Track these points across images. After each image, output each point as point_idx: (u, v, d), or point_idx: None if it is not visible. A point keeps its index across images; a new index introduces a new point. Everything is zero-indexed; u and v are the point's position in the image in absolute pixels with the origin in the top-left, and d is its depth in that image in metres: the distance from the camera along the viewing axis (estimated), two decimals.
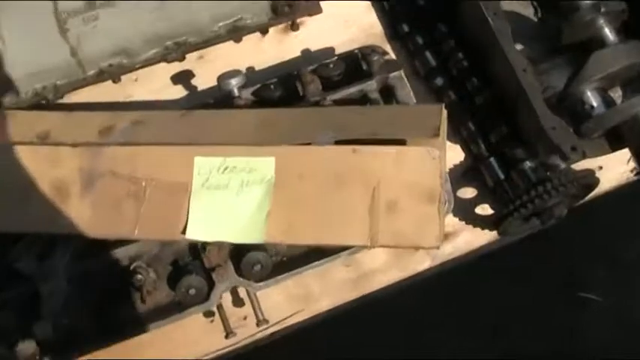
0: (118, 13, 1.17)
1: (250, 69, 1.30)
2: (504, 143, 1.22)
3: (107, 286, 1.10)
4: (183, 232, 1.00)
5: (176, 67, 1.29)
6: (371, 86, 1.15)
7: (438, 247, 0.98)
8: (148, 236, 1.02)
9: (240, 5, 1.21)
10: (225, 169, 0.99)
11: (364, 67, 1.18)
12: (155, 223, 1.00)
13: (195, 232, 1.01)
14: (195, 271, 1.12)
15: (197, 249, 1.11)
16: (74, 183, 1.01)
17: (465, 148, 1.29)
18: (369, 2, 1.35)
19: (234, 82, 1.13)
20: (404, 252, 1.25)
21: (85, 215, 1.01)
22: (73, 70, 1.18)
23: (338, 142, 0.99)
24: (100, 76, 1.19)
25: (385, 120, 1.02)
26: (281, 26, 1.33)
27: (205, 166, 0.99)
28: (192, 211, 1.00)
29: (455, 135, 1.29)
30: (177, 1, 1.17)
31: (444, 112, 1.01)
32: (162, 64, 1.25)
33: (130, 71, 1.21)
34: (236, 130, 1.04)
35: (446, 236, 1.29)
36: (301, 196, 0.99)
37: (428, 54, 1.29)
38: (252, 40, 1.32)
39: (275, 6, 1.21)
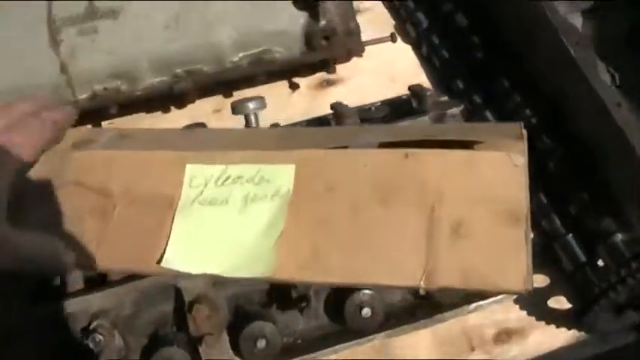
0: (122, 27, 0.98)
1: (275, 125, 1.11)
2: (587, 214, 0.99)
3: (59, 345, 0.83)
4: (159, 261, 0.72)
5: (185, 115, 1.11)
6: (423, 123, 0.94)
7: (528, 292, 0.68)
8: (110, 266, 0.74)
9: (269, 34, 1.03)
10: (227, 179, 0.72)
11: (414, 104, 0.97)
12: (122, 249, 0.72)
13: (174, 260, 0.71)
14: (176, 343, 0.85)
15: (185, 316, 0.86)
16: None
17: (534, 225, 1.05)
18: (416, 59, 1.19)
19: (252, 106, 0.92)
20: (450, 346, 0.99)
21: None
22: (60, 90, 0.98)
23: (383, 146, 0.75)
24: (92, 101, 0.99)
25: (448, 128, 0.79)
26: (314, 81, 1.16)
27: (200, 175, 0.73)
28: (175, 231, 0.72)
29: None
30: (195, 20, 1.00)
31: (524, 131, 0.78)
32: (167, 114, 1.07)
33: (128, 100, 1.01)
34: (248, 138, 0.81)
35: (510, 335, 1.03)
36: (327, 215, 0.70)
37: (488, 113, 1.10)
38: (278, 92, 1.14)
39: (310, 38, 1.04)
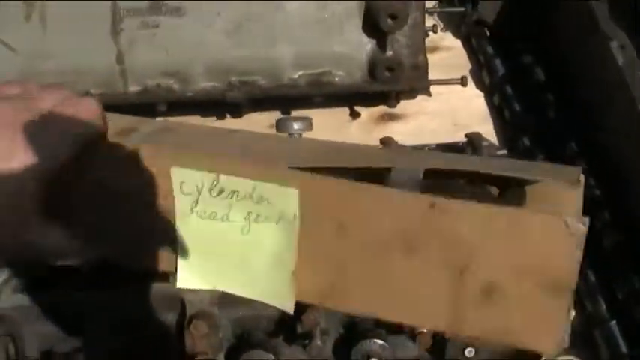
0: (184, 26, 0.98)
1: None
2: (634, 300, 0.93)
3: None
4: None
5: (239, 125, 1.09)
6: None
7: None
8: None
9: (332, 56, 1.00)
10: (221, 191, 0.66)
11: (469, 152, 0.93)
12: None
13: (188, 280, 0.68)
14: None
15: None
16: None
17: (576, 304, 0.99)
18: (486, 107, 1.14)
19: (296, 126, 0.90)
20: None
21: None
22: (114, 80, 0.98)
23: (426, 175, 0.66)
24: (143, 95, 0.99)
25: (498, 164, 0.72)
26: (376, 113, 1.13)
27: (189, 181, 0.66)
28: (181, 248, 0.67)
29: None
30: (258, 31, 0.99)
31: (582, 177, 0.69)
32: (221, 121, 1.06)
33: (178, 100, 1.00)
34: (257, 143, 0.75)
35: None
36: (342, 254, 0.64)
37: None
38: (338, 118, 1.11)
39: (374, 66, 1.01)
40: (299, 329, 0.85)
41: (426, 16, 1.05)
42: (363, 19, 1.01)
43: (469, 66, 1.19)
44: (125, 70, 0.98)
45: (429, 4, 1.10)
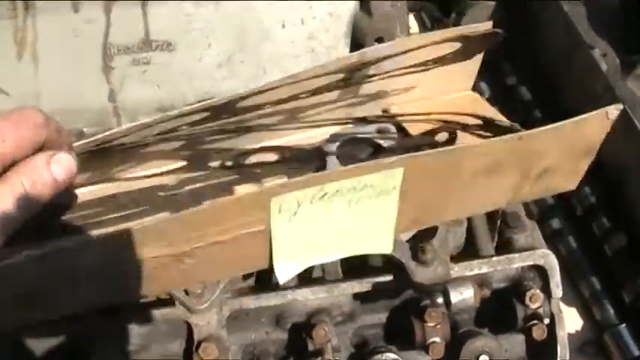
0: (176, 61, 1.02)
1: None
2: None
3: None
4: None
5: None
6: None
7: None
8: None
9: None
10: (324, 195, 0.75)
11: None
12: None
13: (286, 272, 0.79)
14: None
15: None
16: None
17: (585, 312, 1.03)
18: None
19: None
20: None
21: None
22: (106, 117, 1.01)
23: None
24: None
25: None
26: None
27: (289, 201, 0.74)
28: (277, 252, 0.77)
29: (572, 295, 1.03)
30: (248, 62, 1.03)
31: None
32: None
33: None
34: None
35: None
36: (434, 197, 0.82)
37: None
38: None
39: None
40: (310, 347, 0.87)
41: None
42: (350, 45, 1.06)
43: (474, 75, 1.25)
44: (117, 107, 1.01)
45: (411, 31, 1.16)
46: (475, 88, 1.20)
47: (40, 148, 0.68)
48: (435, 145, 0.91)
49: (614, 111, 0.85)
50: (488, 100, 1.20)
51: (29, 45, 1.02)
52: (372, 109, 0.96)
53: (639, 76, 1.19)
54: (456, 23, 1.22)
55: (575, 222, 1.06)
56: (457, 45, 0.90)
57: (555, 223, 1.06)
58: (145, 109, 1.03)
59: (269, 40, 1.04)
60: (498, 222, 0.94)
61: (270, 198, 0.73)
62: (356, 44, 1.05)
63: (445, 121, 0.93)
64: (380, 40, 1.01)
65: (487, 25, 0.91)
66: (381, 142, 0.91)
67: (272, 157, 0.92)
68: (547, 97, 1.15)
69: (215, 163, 0.92)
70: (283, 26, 1.04)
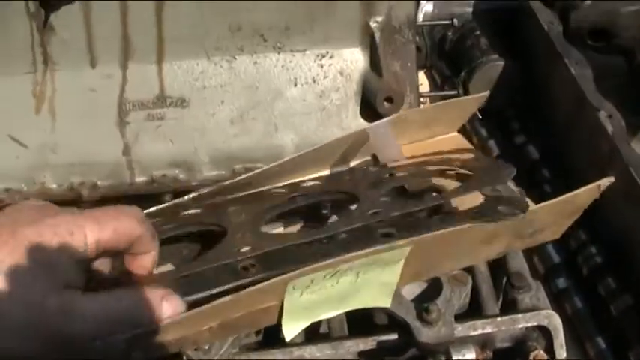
0: (189, 117, 1.06)
1: None
2: None
3: None
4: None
5: None
6: None
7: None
8: None
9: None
10: (336, 273, 0.80)
11: None
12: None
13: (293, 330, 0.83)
14: None
15: None
16: None
17: None
18: None
19: None
20: None
21: None
22: (120, 171, 1.05)
23: None
24: (149, 186, 1.05)
25: None
26: None
27: (304, 281, 0.79)
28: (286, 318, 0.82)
29: (578, 355, 1.03)
30: (260, 119, 1.07)
31: None
32: None
33: (184, 189, 1.06)
34: None
35: None
36: (435, 261, 0.90)
37: (550, 248, 1.11)
38: None
39: None
40: None
41: (420, 99, 1.15)
42: (361, 104, 1.10)
43: (460, 124, 1.27)
44: (132, 161, 1.05)
45: (422, 88, 1.20)
46: (484, 146, 1.24)
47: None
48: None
49: (606, 182, 0.94)
50: (495, 158, 1.23)
51: (47, 99, 1.06)
52: (361, 155, 1.02)
53: None
54: (466, 81, 1.26)
55: (581, 281, 1.07)
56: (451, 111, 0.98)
57: (561, 283, 1.07)
58: (159, 163, 1.06)
59: (281, 98, 1.07)
60: (503, 282, 0.96)
61: (287, 283, 0.78)
62: (366, 103, 1.09)
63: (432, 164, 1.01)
64: (389, 99, 1.04)
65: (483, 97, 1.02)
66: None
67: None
68: (555, 157, 1.17)
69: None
70: (295, 84, 1.07)
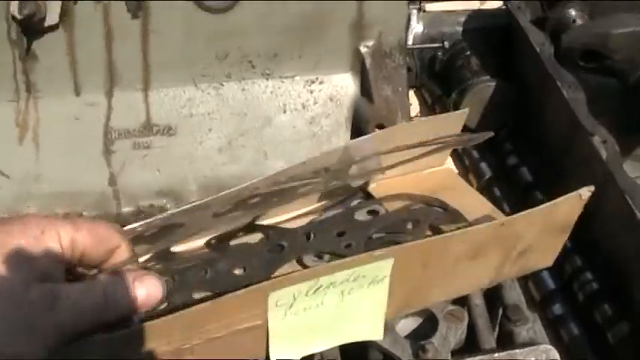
0: (176, 145, 1.04)
1: None
2: None
3: None
4: None
5: None
6: None
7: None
8: None
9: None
10: (318, 288, 0.78)
11: None
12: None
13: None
14: None
15: None
16: None
17: None
18: None
19: None
20: None
21: None
22: (106, 201, 1.03)
23: None
24: (136, 217, 1.03)
25: None
26: None
27: (285, 295, 0.77)
28: (273, 346, 0.80)
29: None
30: (249, 147, 1.06)
31: None
32: None
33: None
34: None
35: None
36: (422, 282, 0.87)
37: (545, 274, 1.09)
38: None
39: None
40: None
41: None
42: (351, 131, 1.09)
43: (456, 170, 1.26)
44: (118, 191, 1.03)
45: (412, 111, 1.18)
46: (475, 168, 1.23)
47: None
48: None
49: (586, 192, 0.91)
50: (488, 180, 1.22)
51: (31, 128, 1.04)
52: (349, 187, 1.00)
53: (637, 157, 1.21)
54: (457, 102, 1.25)
55: (577, 308, 1.06)
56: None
57: (557, 309, 1.06)
58: (145, 193, 1.04)
59: (270, 125, 1.06)
60: (499, 315, 0.95)
61: (268, 293, 0.76)
62: (357, 129, 1.07)
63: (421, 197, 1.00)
64: (381, 126, 1.02)
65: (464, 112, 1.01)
66: (361, 219, 0.95)
67: (256, 237, 0.94)
68: (548, 179, 1.16)
69: (201, 241, 0.94)
70: (284, 111, 1.06)
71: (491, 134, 0.96)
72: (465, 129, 1.24)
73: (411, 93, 1.35)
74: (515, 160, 1.22)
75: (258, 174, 1.04)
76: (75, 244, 0.68)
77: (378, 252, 0.79)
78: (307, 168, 0.91)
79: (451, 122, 1.03)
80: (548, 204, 0.89)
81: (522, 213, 0.88)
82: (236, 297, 0.74)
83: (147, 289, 0.70)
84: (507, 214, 1.15)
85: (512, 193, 1.20)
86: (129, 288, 0.69)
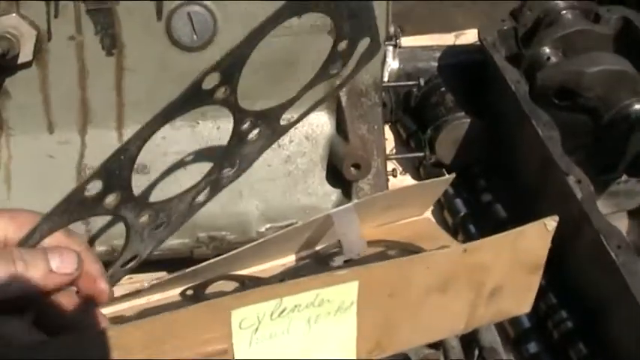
0: (148, 184, 1.03)
1: None
2: None
3: None
4: None
5: None
6: None
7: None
8: None
9: (299, 208, 1.07)
10: (283, 311, 0.76)
11: None
12: None
13: None
14: None
15: None
16: None
17: None
18: None
19: None
20: None
21: None
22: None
23: None
24: (110, 256, 1.01)
25: None
26: None
27: (250, 316, 0.74)
28: None
29: None
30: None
31: None
32: None
33: (145, 259, 1.02)
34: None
35: None
36: (392, 315, 0.84)
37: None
38: None
39: None
40: None
41: (386, 163, 1.13)
42: (327, 170, 1.09)
43: (431, 207, 1.27)
44: (90, 231, 1.02)
45: (388, 146, 1.18)
46: (450, 205, 1.23)
47: None
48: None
49: (551, 222, 0.90)
50: (463, 217, 1.22)
51: (3, 165, 1.03)
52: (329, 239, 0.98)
53: (612, 194, 1.22)
54: (433, 138, 1.25)
55: (552, 346, 1.06)
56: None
57: (532, 347, 1.06)
58: (119, 232, 1.02)
59: None
60: (476, 356, 0.95)
61: (228, 310, 0.73)
62: (333, 168, 1.07)
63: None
64: (356, 166, 1.02)
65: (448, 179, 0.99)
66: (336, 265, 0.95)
67: (232, 285, 0.94)
68: (523, 216, 1.16)
69: (177, 290, 0.93)
70: None
71: None
72: (440, 165, 1.26)
73: (387, 128, 1.36)
74: (490, 197, 1.22)
75: (232, 213, 1.05)
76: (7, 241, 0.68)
77: (339, 272, 0.78)
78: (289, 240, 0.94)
79: (435, 188, 1.03)
80: (512, 231, 0.88)
81: (486, 239, 0.87)
82: (196, 309, 0.72)
83: (61, 259, 0.68)
84: None
85: (488, 229, 1.20)
86: (43, 258, 0.68)
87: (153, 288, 0.89)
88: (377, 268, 0.79)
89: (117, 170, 0.75)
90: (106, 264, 1.03)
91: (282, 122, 0.83)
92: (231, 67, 0.75)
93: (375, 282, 0.80)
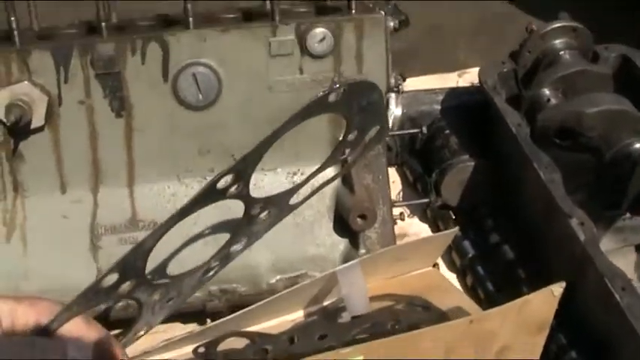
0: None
1: None
2: None
3: None
4: None
5: None
6: None
7: None
8: None
9: (308, 258, 1.10)
10: None
11: None
12: None
13: None
14: None
15: None
16: None
17: None
18: (460, 288, 1.22)
19: None
20: None
21: None
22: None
23: None
24: (125, 311, 1.04)
25: None
26: None
27: None
28: None
29: None
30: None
31: None
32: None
33: None
34: None
35: None
36: None
37: None
38: None
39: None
40: None
41: (392, 210, 1.15)
42: (334, 221, 1.11)
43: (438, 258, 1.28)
44: None
45: (393, 196, 1.20)
46: (458, 247, 1.25)
47: None
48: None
49: (558, 289, 0.93)
50: (471, 258, 1.24)
51: (18, 226, 1.06)
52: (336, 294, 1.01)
53: (618, 229, 1.24)
54: (438, 182, 1.27)
55: None
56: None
57: None
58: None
59: None
60: None
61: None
62: (340, 218, 1.09)
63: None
64: (363, 217, 1.05)
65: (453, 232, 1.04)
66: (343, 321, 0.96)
67: (243, 342, 0.96)
68: (529, 257, 1.18)
69: (189, 348, 0.95)
70: None
71: None
72: (446, 207, 1.28)
73: (393, 171, 1.38)
74: (497, 237, 1.24)
75: (243, 265, 1.07)
76: (15, 314, 0.69)
77: (345, 350, 0.81)
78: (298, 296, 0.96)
79: (441, 241, 1.06)
80: (519, 300, 0.91)
81: (493, 310, 0.91)
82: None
83: (78, 349, 0.70)
84: (491, 295, 1.18)
85: (496, 270, 1.22)
86: (62, 348, 0.69)
87: (165, 347, 0.92)
88: (382, 343, 0.83)
89: (132, 262, 0.77)
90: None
91: (291, 202, 0.88)
92: (246, 169, 0.80)
93: (380, 355, 0.83)
